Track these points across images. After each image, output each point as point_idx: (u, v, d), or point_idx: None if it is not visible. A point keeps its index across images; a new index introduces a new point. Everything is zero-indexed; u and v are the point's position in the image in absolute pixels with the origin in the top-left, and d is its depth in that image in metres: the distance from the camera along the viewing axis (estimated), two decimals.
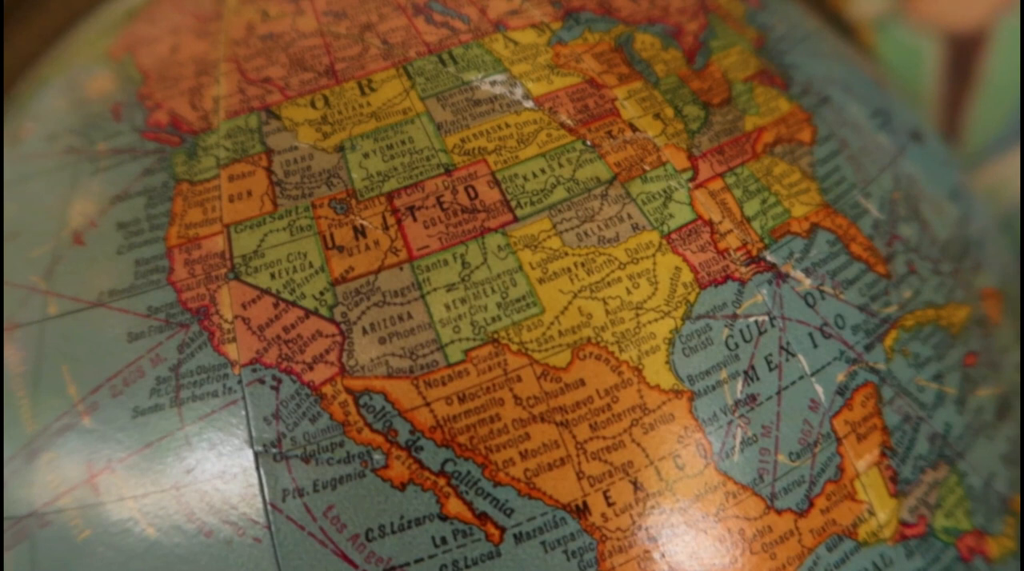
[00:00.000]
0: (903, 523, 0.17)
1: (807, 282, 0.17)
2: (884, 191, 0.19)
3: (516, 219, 0.16)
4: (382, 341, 0.15)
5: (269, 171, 0.17)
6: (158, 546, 0.15)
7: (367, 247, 0.16)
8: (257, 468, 0.15)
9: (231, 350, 0.16)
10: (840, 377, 0.17)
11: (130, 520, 0.15)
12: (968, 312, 0.19)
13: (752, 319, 0.16)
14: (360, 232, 0.16)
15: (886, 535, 0.16)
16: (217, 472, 0.15)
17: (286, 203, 0.16)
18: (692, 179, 0.17)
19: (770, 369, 0.16)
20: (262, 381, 0.15)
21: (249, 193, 0.17)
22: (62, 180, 0.19)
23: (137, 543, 0.15)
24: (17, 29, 0.37)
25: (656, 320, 0.16)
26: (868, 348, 0.17)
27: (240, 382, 0.15)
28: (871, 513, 0.16)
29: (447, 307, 0.15)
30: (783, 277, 0.17)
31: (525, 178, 0.17)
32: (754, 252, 0.17)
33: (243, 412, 0.15)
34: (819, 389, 0.16)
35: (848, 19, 0.44)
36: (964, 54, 0.45)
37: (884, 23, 0.45)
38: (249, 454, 0.15)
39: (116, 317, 0.16)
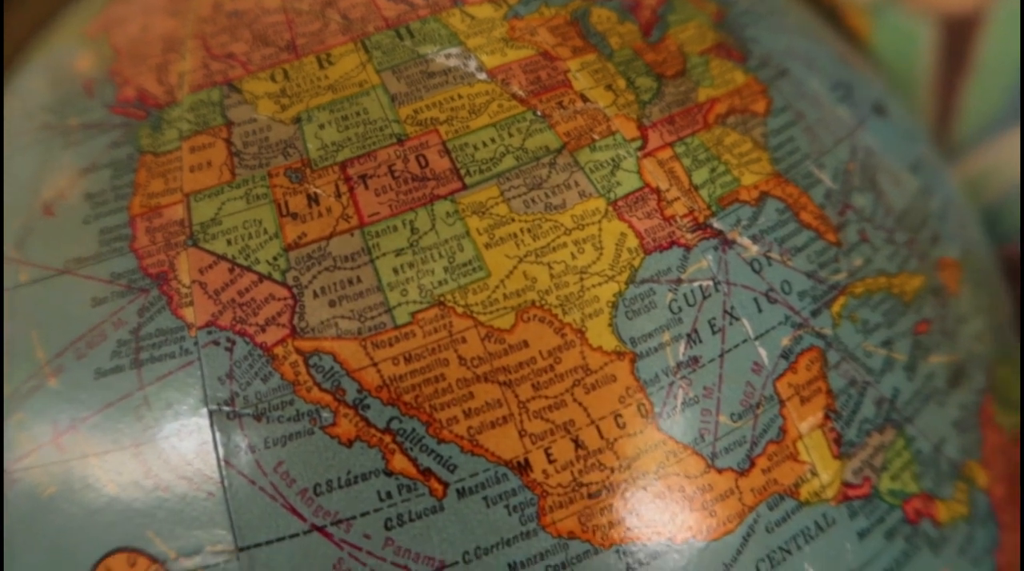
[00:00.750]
0: (846, 484, 0.17)
1: (754, 249, 0.17)
2: (839, 162, 0.20)
3: (465, 187, 0.17)
4: (332, 304, 0.16)
5: (229, 142, 0.17)
6: (117, 502, 0.16)
7: (320, 214, 0.16)
8: (211, 426, 0.15)
9: (188, 313, 0.16)
10: (785, 341, 0.17)
11: (92, 477, 0.16)
12: (923, 281, 0.20)
13: (696, 284, 0.17)
14: (313, 200, 0.17)
15: (829, 495, 0.17)
16: (173, 430, 0.16)
17: (244, 173, 0.17)
18: (641, 148, 0.18)
19: (713, 332, 0.17)
20: (217, 343, 0.16)
21: (209, 163, 0.17)
22: (37, 155, 0.19)
23: (98, 499, 0.16)
24: (15, 14, 0.38)
25: (600, 284, 0.16)
26: (815, 313, 0.18)
27: (196, 344, 0.16)
28: (813, 474, 0.17)
29: (395, 271, 0.16)
30: (729, 243, 0.17)
31: (475, 147, 0.17)
32: (701, 219, 0.17)
33: (199, 372, 0.16)
34: (763, 352, 0.17)
35: (842, 3, 0.44)
36: (959, 37, 0.45)
37: (879, 7, 0.45)
38: (204, 413, 0.16)
39: (82, 283, 0.17)
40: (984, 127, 0.44)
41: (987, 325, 0.21)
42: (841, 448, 0.17)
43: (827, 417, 0.17)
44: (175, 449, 0.16)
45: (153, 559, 0.15)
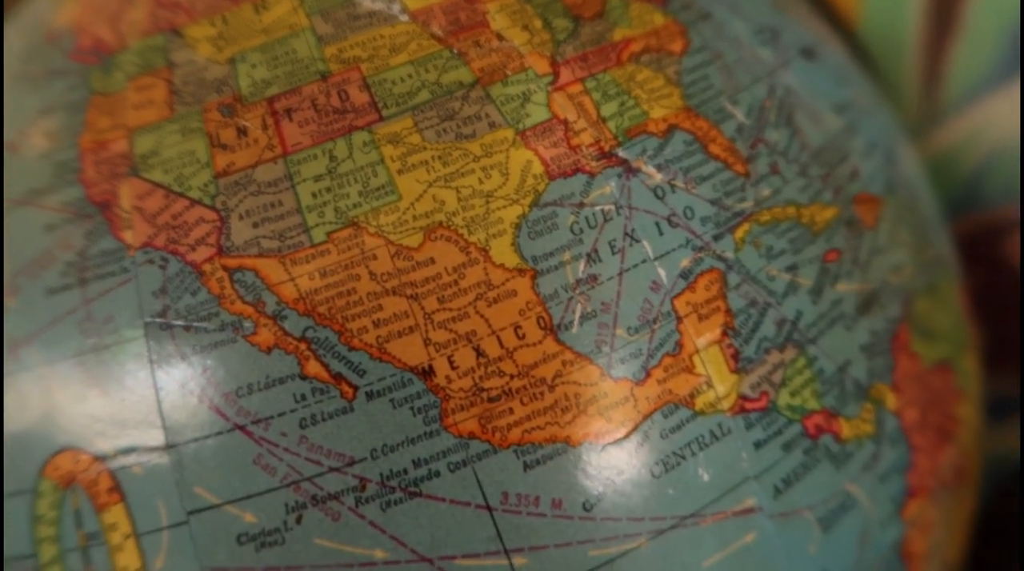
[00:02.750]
0: (743, 397, 0.18)
1: (658, 177, 0.18)
2: (755, 99, 0.20)
3: (382, 118, 0.18)
4: (255, 225, 0.17)
5: (169, 82, 0.19)
6: (65, 406, 0.17)
7: (247, 145, 0.18)
8: (146, 337, 0.17)
9: (128, 236, 0.18)
10: (684, 262, 0.18)
11: (43, 385, 0.18)
12: (835, 213, 0.20)
13: (598, 208, 0.18)
14: (242, 132, 0.18)
15: (724, 407, 0.18)
16: (112, 341, 0.17)
17: (181, 109, 0.18)
18: (552, 83, 0.19)
19: (613, 253, 0.18)
20: (152, 261, 0.17)
21: (151, 102, 0.19)
22: (10, 101, 0.21)
23: (48, 404, 0.17)
24: None
25: (504, 207, 0.17)
26: (717, 238, 0.18)
27: (134, 263, 0.17)
28: (709, 386, 0.18)
29: (314, 195, 0.17)
30: (633, 171, 0.18)
31: (393, 83, 0.18)
32: (606, 148, 0.18)
33: (135, 289, 0.17)
34: (662, 272, 0.18)
35: None
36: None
37: None
38: (139, 324, 0.17)
39: (38, 213, 0.19)
40: (970, 89, 0.44)
41: (909, 259, 0.22)
42: (739, 363, 0.18)
43: (725, 334, 0.18)
44: (114, 358, 0.17)
45: (95, 457, 0.17)
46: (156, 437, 0.17)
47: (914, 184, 0.24)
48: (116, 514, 0.17)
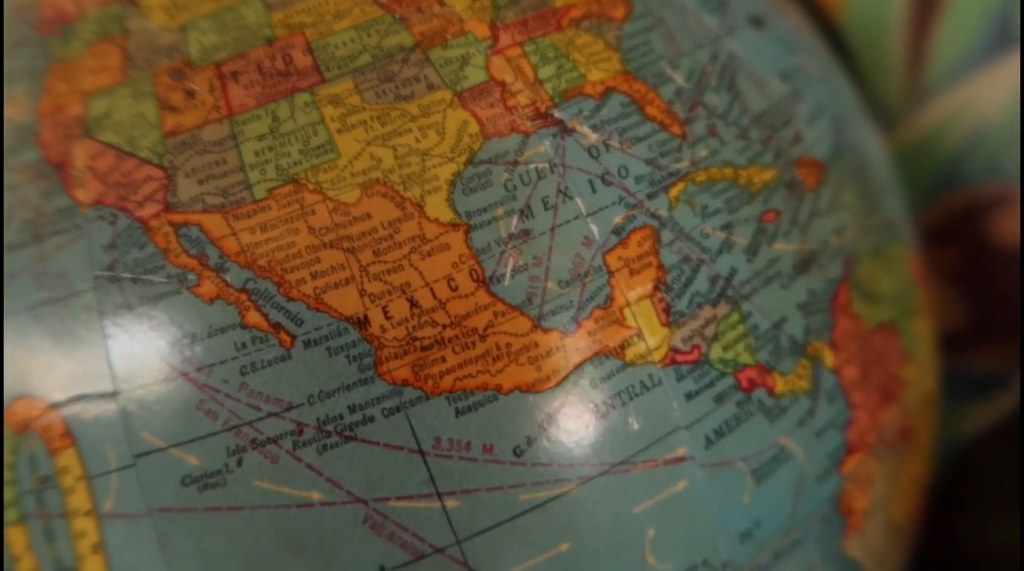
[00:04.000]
0: (675, 350, 0.19)
1: (593, 137, 0.19)
2: (696, 64, 0.21)
3: (324, 80, 0.19)
4: (200, 182, 0.18)
5: (124, 49, 0.19)
6: (22, 358, 0.18)
7: (195, 107, 0.18)
8: (95, 289, 0.18)
9: (80, 194, 0.18)
10: (617, 219, 0.19)
11: (4, 337, 0.18)
12: (775, 175, 0.21)
13: (532, 166, 0.18)
14: (190, 94, 0.19)
15: (655, 359, 0.18)
16: (65, 294, 0.18)
17: (134, 74, 0.19)
18: (491, 47, 0.19)
19: (546, 209, 0.18)
20: (103, 218, 0.18)
21: (106, 67, 0.19)
22: None
23: (8, 355, 0.18)
24: None
25: (440, 164, 0.18)
26: (651, 196, 0.19)
27: (86, 219, 0.18)
28: (640, 338, 0.18)
29: (256, 154, 0.18)
30: (569, 131, 0.19)
31: (336, 47, 0.19)
32: (542, 109, 0.19)
33: (87, 244, 0.18)
34: (594, 228, 0.18)
35: None
36: None
37: None
38: (90, 277, 0.18)
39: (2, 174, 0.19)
40: (954, 68, 0.44)
41: (853, 223, 0.22)
42: (670, 317, 0.19)
43: (656, 289, 0.19)
44: (67, 310, 0.18)
45: (49, 404, 0.18)
46: (105, 385, 0.17)
47: (864, 151, 0.24)
48: (68, 458, 0.18)
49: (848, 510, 0.22)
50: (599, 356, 0.18)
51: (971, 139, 0.44)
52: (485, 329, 0.18)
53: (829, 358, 0.21)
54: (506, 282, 0.18)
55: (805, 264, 0.21)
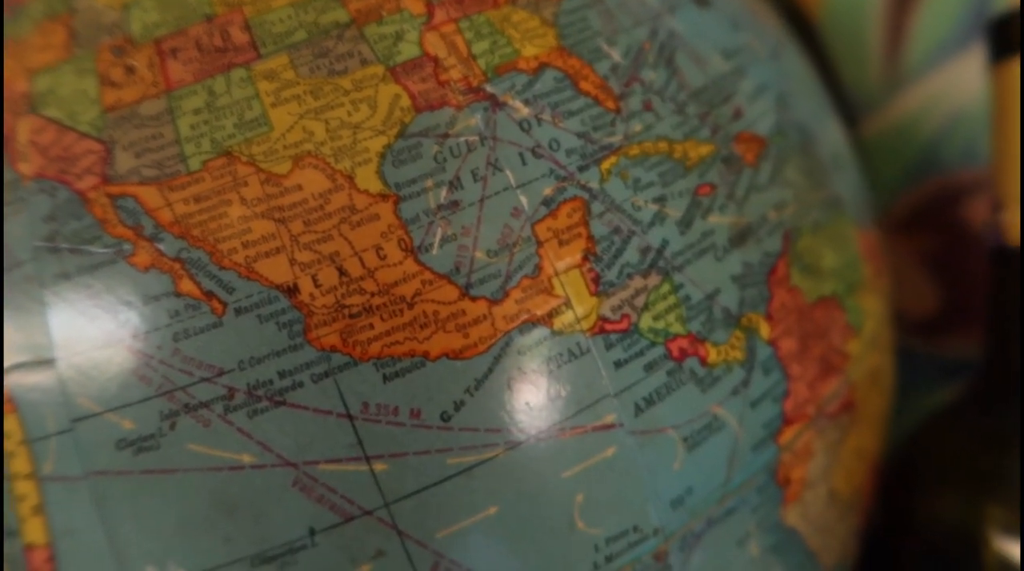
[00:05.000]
0: (603, 318, 0.19)
1: (525, 111, 0.19)
2: (634, 41, 0.21)
3: (259, 56, 0.19)
4: (137, 155, 0.18)
5: (69, 27, 0.20)
6: None
7: (134, 82, 0.19)
8: (35, 259, 0.18)
9: (23, 167, 0.19)
10: (547, 191, 0.19)
11: None
12: (712, 149, 0.21)
13: (463, 139, 0.19)
14: (130, 70, 0.19)
15: (583, 327, 0.19)
16: (8, 265, 0.18)
17: (78, 51, 0.20)
18: (426, 23, 0.20)
19: (475, 180, 0.19)
20: (44, 190, 0.18)
21: (51, 45, 0.20)
22: None
23: None
24: None
25: (371, 137, 0.18)
26: (582, 169, 0.19)
27: (28, 192, 0.19)
28: (568, 307, 0.19)
29: (192, 127, 0.18)
30: (500, 106, 0.19)
31: (272, 23, 0.19)
32: (474, 84, 0.19)
33: (28, 216, 0.18)
34: (523, 199, 0.19)
35: None
36: None
37: None
38: (30, 248, 0.18)
39: None
40: (931, 55, 0.45)
41: (793, 198, 0.23)
42: (599, 287, 0.19)
43: (585, 259, 0.19)
44: (9, 280, 0.18)
45: None
46: (45, 352, 0.18)
47: (811, 128, 0.25)
48: (10, 423, 0.18)
49: (786, 480, 0.22)
50: (527, 324, 0.18)
51: (948, 125, 0.45)
52: (413, 297, 0.18)
53: (765, 330, 0.21)
54: (434, 251, 0.18)
55: (741, 237, 0.21)
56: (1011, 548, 0.26)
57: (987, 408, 0.27)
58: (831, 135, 0.26)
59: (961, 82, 0.45)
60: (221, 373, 0.18)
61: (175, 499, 0.18)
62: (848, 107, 0.44)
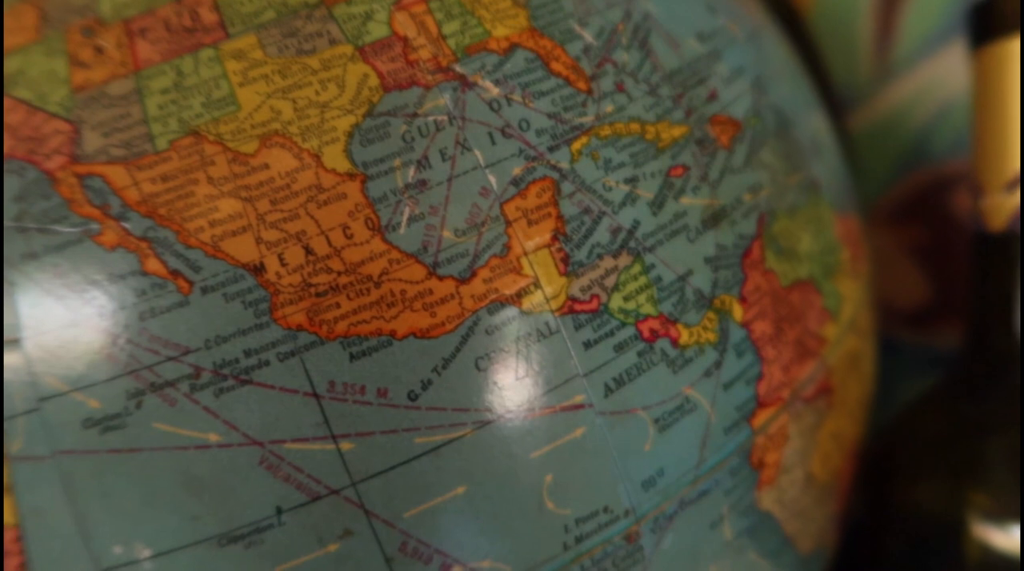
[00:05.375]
0: (573, 299, 0.19)
1: (495, 91, 0.19)
2: (607, 22, 0.21)
3: (228, 36, 0.19)
4: (105, 135, 0.18)
5: (40, 9, 0.20)
6: None
7: (103, 63, 0.19)
8: (4, 239, 0.18)
9: None
10: (516, 171, 0.19)
11: None
12: (685, 131, 0.21)
13: (431, 118, 0.19)
14: (99, 50, 0.19)
15: (552, 307, 0.19)
16: None
17: (48, 32, 0.20)
18: (395, 3, 0.19)
19: (443, 160, 0.18)
20: (12, 170, 0.18)
21: (23, 27, 0.20)
22: None
23: None
24: None
25: (339, 117, 0.18)
26: (552, 149, 0.19)
27: None
28: (537, 287, 0.19)
29: (160, 107, 0.18)
30: (470, 85, 0.19)
31: (241, 3, 0.19)
32: (444, 64, 0.19)
33: None
34: (492, 179, 0.19)
35: None
36: None
37: None
38: None
39: None
40: (921, 46, 0.44)
41: (769, 181, 0.23)
42: (569, 267, 0.19)
43: (555, 239, 0.19)
44: None
45: None
46: (12, 332, 0.18)
47: (789, 112, 0.25)
48: None
49: (760, 463, 0.22)
50: (495, 304, 0.18)
51: (937, 116, 0.44)
52: (380, 276, 0.18)
53: (739, 312, 0.21)
54: (401, 231, 0.18)
55: (715, 219, 0.21)
56: (992, 534, 0.26)
57: (968, 394, 0.27)
58: (811, 119, 0.26)
59: (950, 73, 0.45)
60: (187, 352, 0.18)
61: (141, 478, 0.18)
62: (836, 98, 0.44)
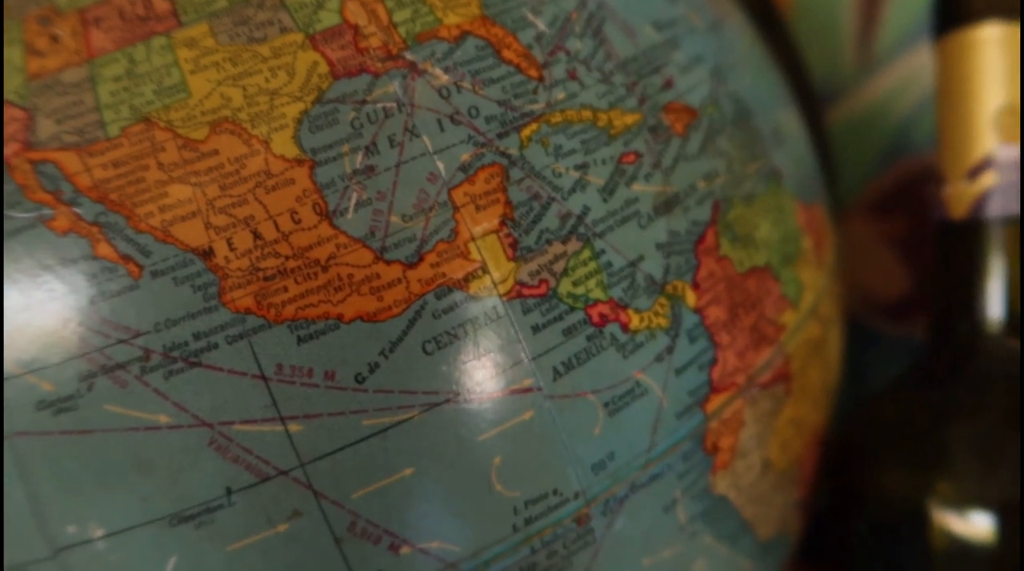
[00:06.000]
0: (521, 283, 0.19)
1: (444, 78, 0.19)
2: (561, 11, 0.21)
3: (180, 24, 0.19)
4: (58, 122, 0.19)
5: None
6: None
7: (58, 51, 0.19)
8: None
9: None
10: (465, 157, 0.19)
11: None
12: (638, 119, 0.21)
13: (380, 105, 0.19)
14: (55, 39, 0.19)
15: (500, 291, 0.19)
16: None
17: (6, 23, 0.20)
18: None
19: (392, 146, 0.19)
20: None
21: None
22: None
23: None
24: None
25: (288, 103, 0.19)
26: (501, 136, 0.20)
27: None
28: (485, 271, 0.19)
29: (112, 94, 0.19)
30: (420, 73, 0.19)
31: None
32: (394, 51, 0.19)
33: None
34: (440, 165, 0.19)
35: None
36: None
37: None
38: None
39: None
40: (903, 39, 0.44)
41: (725, 169, 0.23)
42: (517, 252, 0.19)
43: (503, 224, 0.19)
44: None
45: None
46: None
47: (749, 101, 0.25)
48: None
49: (714, 448, 0.22)
50: (442, 288, 0.19)
51: (918, 108, 0.44)
52: (327, 261, 0.18)
53: (691, 298, 0.21)
54: (349, 216, 0.18)
55: (667, 205, 0.21)
56: (955, 521, 0.26)
57: (931, 382, 0.27)
58: (774, 109, 0.26)
59: (931, 66, 0.45)
60: (137, 335, 0.18)
61: (93, 459, 0.18)
62: (818, 90, 0.44)
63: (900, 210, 0.46)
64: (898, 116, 0.45)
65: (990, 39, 0.25)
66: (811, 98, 0.41)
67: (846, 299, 0.33)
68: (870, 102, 0.46)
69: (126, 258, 0.18)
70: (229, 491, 0.18)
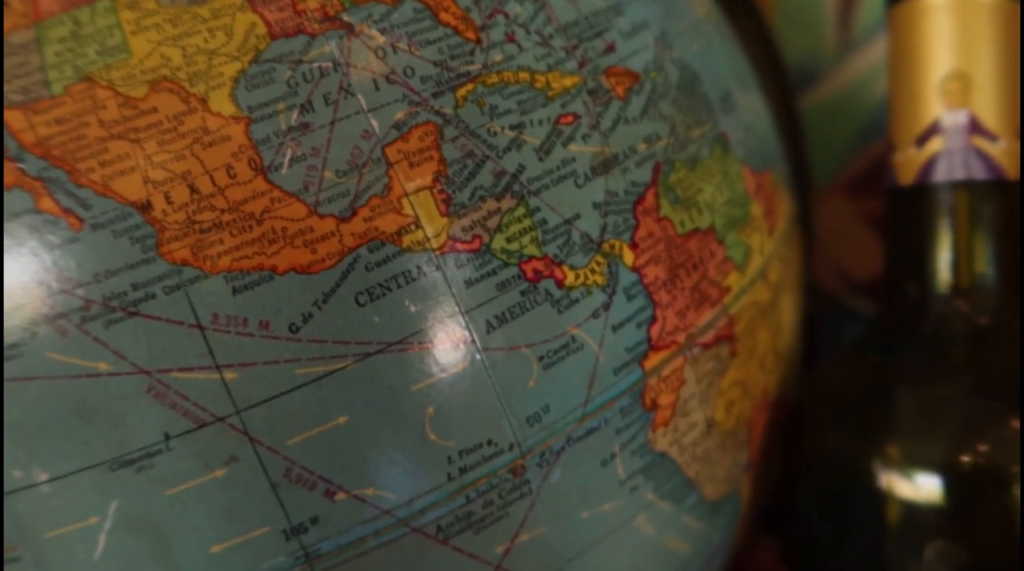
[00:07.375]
0: (454, 238, 0.20)
1: (381, 39, 0.20)
2: None
3: None
4: (7, 82, 0.19)
5: None
6: None
7: (8, 15, 0.20)
8: None
9: None
10: (399, 115, 0.20)
11: None
12: (577, 82, 0.22)
13: (316, 64, 0.19)
14: (4, 4, 0.20)
15: (433, 246, 0.19)
16: None
17: None
18: None
19: (327, 104, 0.19)
20: None
21: None
22: None
23: None
24: None
25: (226, 63, 0.19)
26: (436, 95, 0.20)
27: None
28: (417, 226, 0.19)
29: (57, 55, 0.19)
30: (356, 34, 0.20)
31: None
32: (331, 13, 0.20)
33: None
34: (374, 123, 0.19)
35: None
36: None
37: None
38: None
39: None
40: (882, 20, 0.45)
41: (667, 133, 0.23)
42: (450, 208, 0.20)
43: (436, 181, 0.20)
44: None
45: None
46: None
47: (697, 68, 0.25)
48: None
49: (654, 404, 0.22)
50: (375, 242, 0.19)
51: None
52: (262, 214, 0.19)
53: (629, 257, 0.22)
54: (284, 171, 0.19)
55: (605, 166, 0.22)
56: (903, 484, 0.26)
57: (882, 346, 0.27)
58: (723, 77, 0.27)
59: None
60: (78, 285, 0.18)
61: (36, 406, 0.19)
62: (783, 65, 0.44)
63: (877, 189, 0.46)
64: (875, 97, 0.45)
65: (937, 6, 0.26)
66: (781, 72, 0.41)
67: (806, 267, 0.33)
68: (849, 83, 0.46)
69: (67, 211, 0.19)
70: (167, 436, 0.19)
